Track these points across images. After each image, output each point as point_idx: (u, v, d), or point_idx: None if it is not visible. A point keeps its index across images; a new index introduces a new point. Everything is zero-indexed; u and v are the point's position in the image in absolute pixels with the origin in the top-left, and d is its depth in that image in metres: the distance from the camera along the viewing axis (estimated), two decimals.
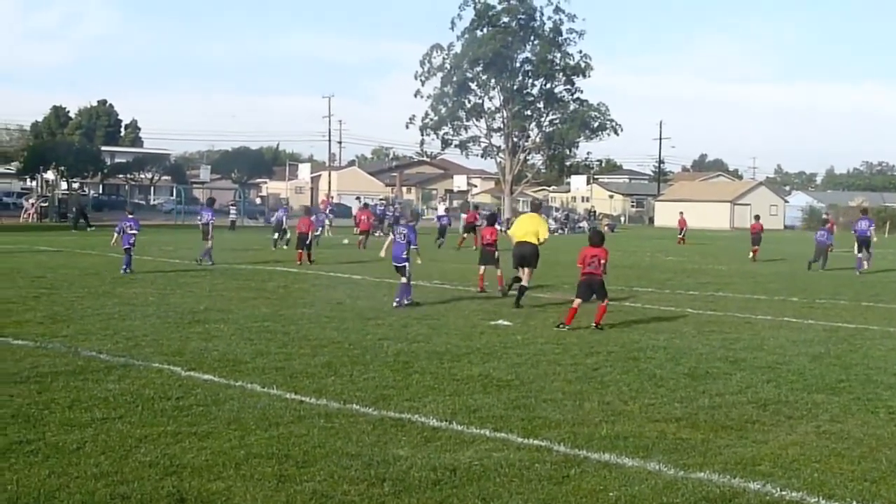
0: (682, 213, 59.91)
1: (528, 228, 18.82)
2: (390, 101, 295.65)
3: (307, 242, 29.66)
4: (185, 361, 11.53)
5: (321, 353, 12.42)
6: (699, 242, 58.77)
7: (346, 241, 41.86)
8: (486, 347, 13.28)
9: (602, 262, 15.60)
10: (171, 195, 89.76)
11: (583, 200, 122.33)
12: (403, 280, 18.23)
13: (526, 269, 18.74)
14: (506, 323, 15.98)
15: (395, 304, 17.96)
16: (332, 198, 66.75)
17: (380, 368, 11.42)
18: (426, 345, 13.37)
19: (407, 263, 18.22)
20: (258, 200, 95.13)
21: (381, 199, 70.73)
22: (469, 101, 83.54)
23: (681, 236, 55.65)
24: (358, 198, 63.18)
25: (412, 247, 18.30)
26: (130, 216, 25.33)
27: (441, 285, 22.46)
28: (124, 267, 23.98)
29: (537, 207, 20.16)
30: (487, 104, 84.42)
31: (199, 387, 10.07)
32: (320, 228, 43.86)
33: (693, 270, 30.97)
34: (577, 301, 15.59)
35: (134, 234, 24.65)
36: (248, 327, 14.64)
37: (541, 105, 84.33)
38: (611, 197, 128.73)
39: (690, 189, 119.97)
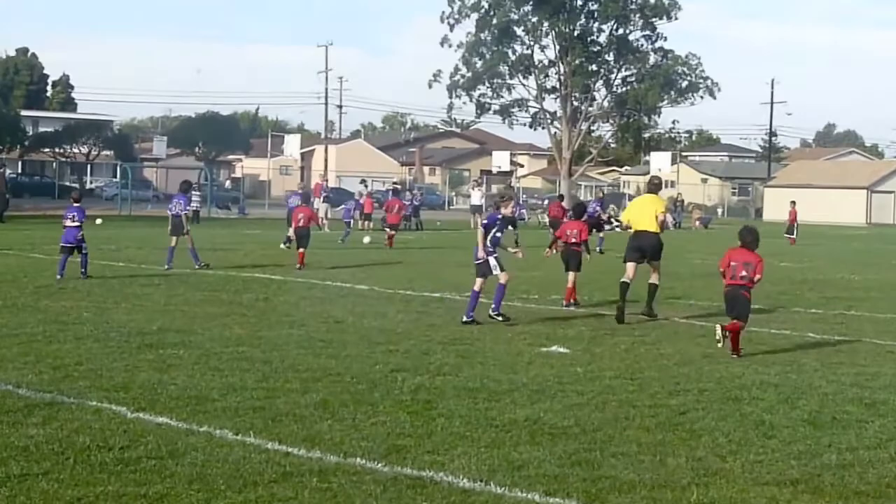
0: (793, 203, 59.21)
1: (648, 214, 20.12)
2: (408, 53, 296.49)
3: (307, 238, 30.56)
4: (131, 399, 11.59)
5: (314, 388, 12.46)
6: (822, 243, 58.51)
7: (367, 240, 42.44)
8: (534, 382, 13.28)
9: (755, 272, 16.02)
10: (114, 176, 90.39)
11: (666, 186, 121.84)
12: (500, 279, 18.88)
13: (654, 271, 20.14)
14: (562, 350, 15.99)
15: (491, 312, 18.79)
16: (327, 181, 66.92)
17: (392, 410, 11.44)
18: (454, 378, 13.39)
19: (492, 258, 18.90)
20: (228, 184, 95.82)
21: (393, 183, 70.88)
22: (514, 52, 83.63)
23: (792, 235, 55.20)
24: (363, 181, 63.40)
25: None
26: (76, 205, 25.58)
27: None
28: (82, 270, 24.72)
29: (657, 187, 21.15)
30: (538, 56, 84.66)
31: (151, 433, 10.11)
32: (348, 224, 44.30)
33: (816, 281, 30.84)
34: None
35: (78, 227, 24.86)
36: (217, 354, 14.70)
37: (610, 57, 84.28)
38: (704, 181, 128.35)
39: (812, 171, 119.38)
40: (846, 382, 13.99)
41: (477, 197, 63.24)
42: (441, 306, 21.28)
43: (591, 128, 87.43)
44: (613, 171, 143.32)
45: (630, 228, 20.48)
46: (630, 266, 19.99)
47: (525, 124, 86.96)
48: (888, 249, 52.67)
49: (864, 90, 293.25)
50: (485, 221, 19.43)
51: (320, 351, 15.22)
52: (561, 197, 56.50)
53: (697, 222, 79.99)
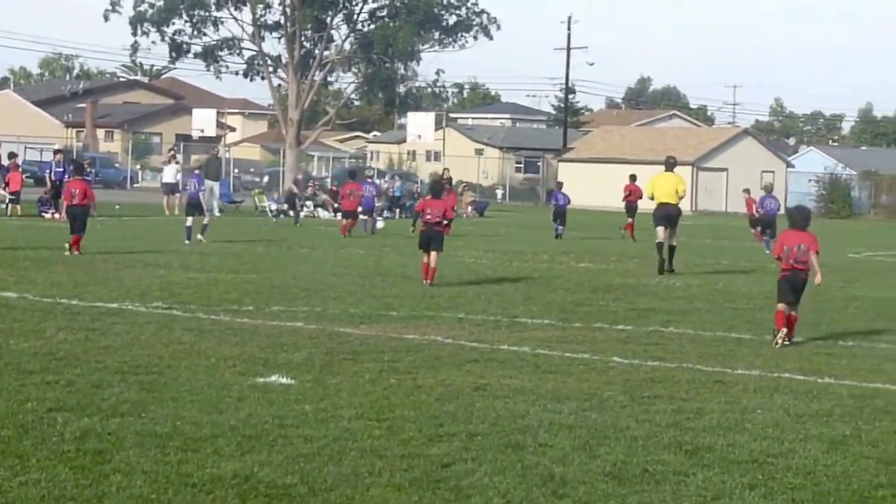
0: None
1: (670, 188, 33.73)
2: None
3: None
4: None
5: None
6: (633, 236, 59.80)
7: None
8: (246, 426, 13.23)
9: (811, 252, 21.06)
10: None
11: (428, 158, 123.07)
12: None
13: (674, 236, 34.32)
14: (284, 381, 15.93)
15: None
16: None
17: (49, 464, 11.27)
18: (137, 420, 13.26)
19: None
20: None
21: (55, 151, 69.66)
22: None
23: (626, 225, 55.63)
24: None
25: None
26: None
27: (167, 309, 22.37)
28: None
29: (672, 166, 34.96)
30: None
31: None
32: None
33: (624, 288, 31.35)
34: (781, 306, 21.13)
35: None
36: None
37: None
38: (479, 153, 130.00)
39: (620, 140, 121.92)
40: (661, 423, 14.28)
41: (171, 173, 62.17)
42: (120, 321, 21.03)
43: (328, 79, 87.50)
44: (358, 137, 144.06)
45: (653, 199, 34.10)
46: (661, 230, 33.62)
47: (237, 73, 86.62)
48: (719, 246, 53.93)
49: (691, 34, 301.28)
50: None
51: None
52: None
53: (470, 208, 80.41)
